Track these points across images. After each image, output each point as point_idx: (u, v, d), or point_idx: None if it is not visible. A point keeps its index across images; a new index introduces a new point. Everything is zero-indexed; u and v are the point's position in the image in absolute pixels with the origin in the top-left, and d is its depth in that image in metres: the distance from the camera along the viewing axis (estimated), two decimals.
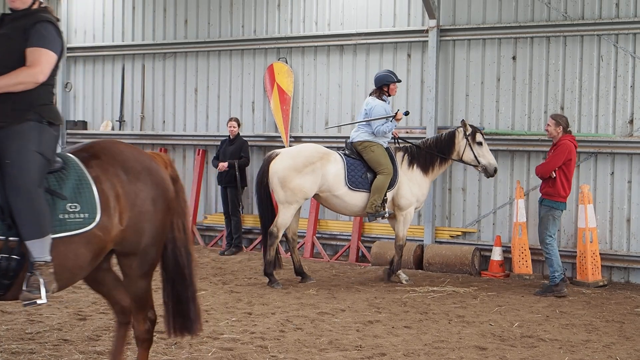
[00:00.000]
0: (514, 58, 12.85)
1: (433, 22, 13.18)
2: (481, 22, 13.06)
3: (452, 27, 13.21)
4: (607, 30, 12.18)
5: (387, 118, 11.34)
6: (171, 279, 6.05)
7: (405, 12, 13.68)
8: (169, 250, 5.95)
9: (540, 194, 11.23)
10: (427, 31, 13.26)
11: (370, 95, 11.74)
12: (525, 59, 12.77)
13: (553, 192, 10.94)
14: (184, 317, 6.10)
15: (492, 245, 12.58)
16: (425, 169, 11.64)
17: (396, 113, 11.46)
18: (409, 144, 11.89)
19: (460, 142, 11.59)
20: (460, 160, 11.71)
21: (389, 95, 11.69)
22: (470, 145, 11.54)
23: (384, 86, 11.60)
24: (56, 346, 7.40)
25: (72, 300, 9.58)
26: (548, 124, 11.10)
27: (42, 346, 7.36)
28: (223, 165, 13.93)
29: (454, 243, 13.12)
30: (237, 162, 13.96)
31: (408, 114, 12.17)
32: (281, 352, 7.40)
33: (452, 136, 11.67)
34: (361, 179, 11.30)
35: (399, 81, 11.83)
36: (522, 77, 12.79)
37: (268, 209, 11.34)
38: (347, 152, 11.54)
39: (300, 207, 11.54)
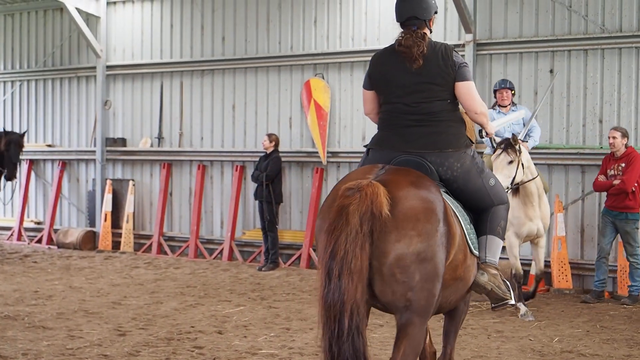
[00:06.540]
0: (551, 71, 12.79)
1: (469, 37, 13.19)
2: (518, 35, 13.03)
3: (488, 41, 13.19)
4: None
5: None
6: None
7: (441, 27, 13.67)
8: None
9: (607, 207, 11.26)
10: (463, 45, 13.25)
11: None
12: (562, 72, 12.71)
13: (635, 205, 11.00)
14: None
15: (531, 260, 12.46)
16: None
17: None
18: None
19: None
20: None
21: (502, 106, 11.19)
22: None
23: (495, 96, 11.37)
24: None
25: (111, 315, 9.69)
26: (614, 137, 11.05)
27: None
28: None
29: None
30: (265, 176, 14.03)
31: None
32: None
33: None
34: None
35: (506, 88, 11.24)
36: (559, 91, 12.72)
37: None
38: None
39: None
